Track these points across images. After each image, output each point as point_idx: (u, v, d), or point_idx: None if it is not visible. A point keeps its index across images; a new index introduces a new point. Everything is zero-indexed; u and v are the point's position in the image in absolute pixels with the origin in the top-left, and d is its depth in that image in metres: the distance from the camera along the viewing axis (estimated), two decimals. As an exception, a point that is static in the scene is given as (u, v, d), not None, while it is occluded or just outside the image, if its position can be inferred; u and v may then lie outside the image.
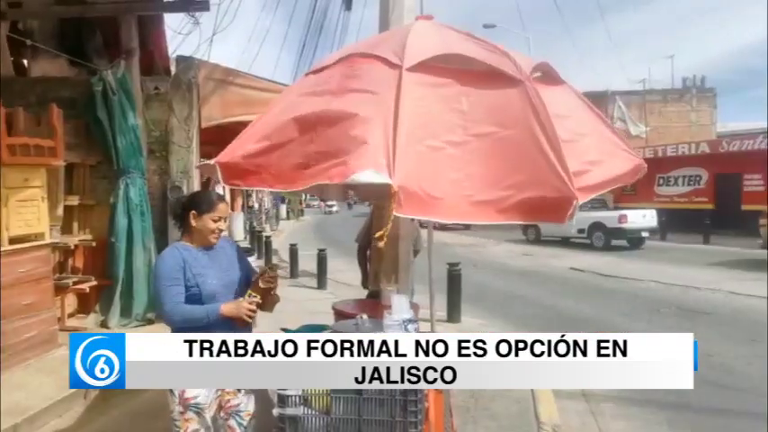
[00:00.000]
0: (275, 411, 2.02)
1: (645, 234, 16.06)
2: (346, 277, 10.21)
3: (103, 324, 5.72)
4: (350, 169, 1.98)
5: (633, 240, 15.93)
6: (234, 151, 2.42)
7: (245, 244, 15.99)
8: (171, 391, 2.33)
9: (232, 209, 25.43)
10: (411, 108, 2.13)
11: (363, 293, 7.07)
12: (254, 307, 2.34)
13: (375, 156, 2.01)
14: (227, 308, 2.31)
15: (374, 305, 3.40)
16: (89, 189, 5.97)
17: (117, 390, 4.33)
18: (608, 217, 15.86)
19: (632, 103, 25.65)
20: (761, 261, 12.08)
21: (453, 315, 6.85)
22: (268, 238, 14.62)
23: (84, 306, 5.81)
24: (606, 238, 15.87)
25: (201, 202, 2.46)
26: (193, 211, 2.43)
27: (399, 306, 2.14)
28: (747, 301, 8.28)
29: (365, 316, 2.53)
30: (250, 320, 2.33)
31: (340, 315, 3.28)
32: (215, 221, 2.44)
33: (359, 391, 1.96)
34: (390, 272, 4.41)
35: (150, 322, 5.82)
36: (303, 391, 2.01)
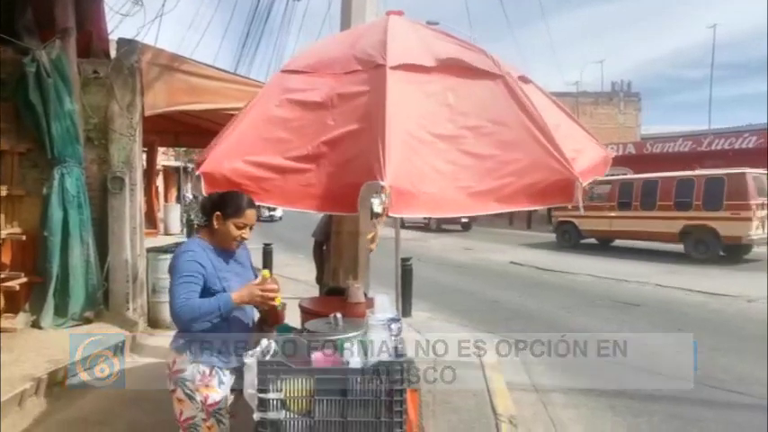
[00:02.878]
0: (256, 416, 1.95)
1: (465, 220, 21.76)
2: (293, 272, 10.06)
3: (35, 324, 5.31)
4: (353, 198, 2.01)
5: (463, 225, 22.47)
6: (220, 161, 2.32)
7: (182, 237, 15.36)
8: (189, 396, 2.21)
9: (166, 200, 24.42)
10: (398, 107, 2.12)
11: (313, 288, 7.00)
12: (272, 287, 2.20)
13: (371, 169, 2.01)
14: (238, 295, 2.17)
15: (341, 302, 3.36)
16: (18, 178, 5.50)
17: (56, 396, 4.07)
18: None
19: (566, 105, 26.77)
20: (683, 255, 13.07)
21: (405, 309, 6.92)
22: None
23: (12, 305, 5.35)
24: (437, 223, 22.43)
25: (229, 204, 2.28)
26: (218, 213, 2.27)
27: (383, 305, 2.13)
28: (672, 293, 8.92)
29: (339, 315, 2.49)
30: (270, 302, 2.21)
31: (308, 314, 3.21)
32: (239, 228, 2.30)
33: (343, 392, 1.94)
34: (350, 268, 4.40)
35: (88, 321, 5.46)
36: (284, 394, 1.96)
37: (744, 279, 10.11)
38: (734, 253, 12.72)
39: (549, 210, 17.20)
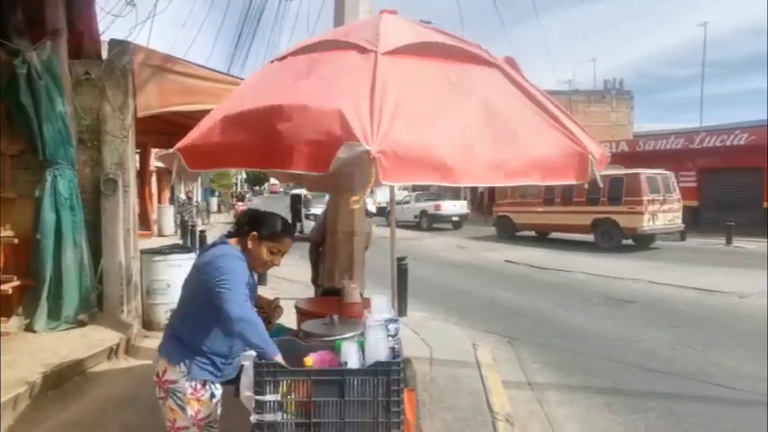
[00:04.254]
0: (253, 418, 1.94)
1: (456, 218, 22.75)
2: (285, 272, 10.02)
3: (28, 328, 5.26)
4: (330, 153, 1.87)
5: (454, 223, 22.70)
6: (196, 137, 2.27)
7: (176, 239, 15.28)
8: (181, 407, 2.16)
9: (160, 201, 24.29)
10: (392, 82, 2.05)
11: (308, 289, 6.97)
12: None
13: (351, 129, 1.90)
14: (279, 358, 1.99)
15: (337, 303, 3.36)
16: (10, 181, 5.44)
17: (50, 399, 4.05)
18: (428, 206, 23.10)
19: (559, 103, 26.97)
20: (678, 252, 13.16)
21: (401, 308, 6.91)
22: (203, 232, 14.01)
23: (5, 308, 5.29)
24: (429, 222, 22.77)
25: (266, 225, 2.21)
26: (255, 233, 2.20)
27: (380, 306, 2.13)
28: (665, 289, 8.97)
29: (335, 316, 2.50)
30: None
31: (304, 315, 3.21)
32: (272, 253, 2.23)
33: (340, 394, 1.94)
34: (346, 268, 4.40)
35: (82, 324, 5.42)
36: (282, 395, 1.95)
37: (736, 276, 10.19)
38: (641, 242, 14.96)
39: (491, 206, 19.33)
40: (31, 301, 5.37)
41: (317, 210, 14.66)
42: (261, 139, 2.11)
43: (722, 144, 18.52)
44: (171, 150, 2.25)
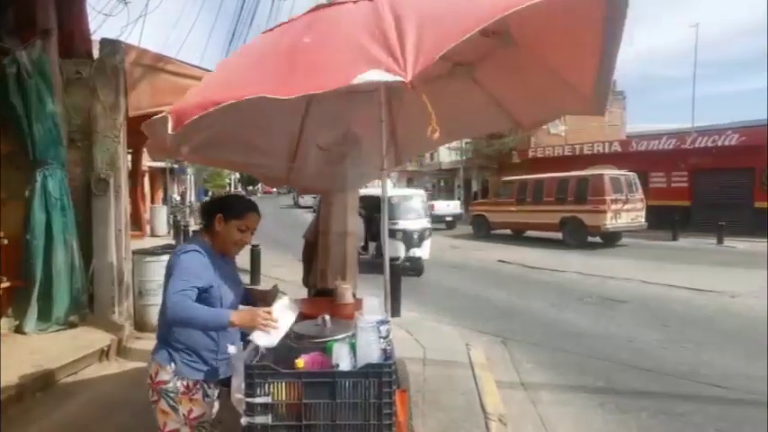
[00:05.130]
0: (243, 420, 1.93)
1: (449, 218, 22.51)
2: (279, 272, 10.01)
3: (18, 329, 5.22)
4: (350, 73, 1.70)
5: (447, 223, 22.39)
6: (185, 101, 2.00)
7: (169, 239, 15.20)
8: (173, 408, 2.15)
9: (152, 201, 24.17)
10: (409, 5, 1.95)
11: (300, 289, 6.92)
12: (274, 321, 2.05)
13: (377, 57, 1.74)
14: (239, 316, 2.03)
15: (329, 304, 3.33)
16: (0, 181, 5.40)
17: (40, 401, 4.01)
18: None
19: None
20: (669, 251, 13.21)
21: (394, 309, 6.90)
22: (196, 232, 13.88)
23: (-6, 310, 5.27)
24: None
25: (231, 206, 2.26)
26: (220, 215, 2.23)
27: (372, 307, 2.12)
28: (658, 289, 9.01)
29: (327, 317, 2.48)
30: (268, 331, 2.04)
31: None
32: (241, 231, 2.26)
33: (332, 396, 1.92)
34: (338, 268, 4.38)
35: (73, 326, 5.38)
36: (272, 398, 1.94)
37: (728, 275, 10.26)
38: (608, 240, 15.61)
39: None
40: (21, 303, 5.32)
41: (409, 221, 10.76)
42: (269, 79, 1.93)
43: (714, 144, 18.63)
44: (159, 116, 1.94)
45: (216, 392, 2.25)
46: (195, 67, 6.59)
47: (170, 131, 1.84)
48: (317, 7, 2.37)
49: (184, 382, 2.16)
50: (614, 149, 21.82)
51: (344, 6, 2.21)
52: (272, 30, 2.49)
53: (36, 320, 5.27)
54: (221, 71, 2.36)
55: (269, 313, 2.06)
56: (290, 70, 1.91)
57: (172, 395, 2.15)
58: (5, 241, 5.29)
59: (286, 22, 2.44)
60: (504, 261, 12.65)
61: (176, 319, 2.00)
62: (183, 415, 2.16)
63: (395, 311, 6.91)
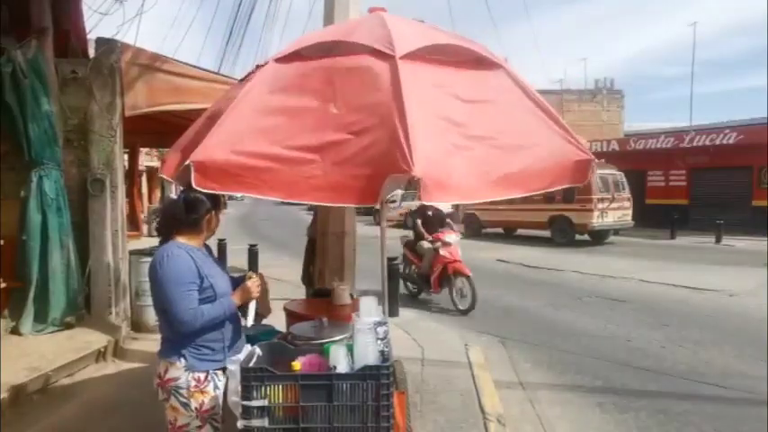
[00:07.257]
0: (239, 423, 1.91)
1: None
2: (277, 272, 9.96)
3: (14, 330, 5.19)
4: (377, 185, 1.94)
5: None
6: (211, 150, 2.10)
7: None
8: (184, 404, 2.17)
9: (150, 201, 24.08)
10: (412, 96, 2.08)
11: (298, 289, 6.93)
12: (259, 282, 2.34)
13: (395, 158, 1.95)
14: (237, 296, 2.28)
15: (326, 305, 3.33)
16: (-5, 182, 5.37)
17: (36, 403, 3.99)
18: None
19: (551, 102, 26.90)
20: (667, 250, 13.22)
21: (392, 309, 6.89)
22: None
23: (-10, 311, 5.23)
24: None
25: (215, 199, 2.35)
26: (213, 211, 2.35)
27: (368, 308, 2.10)
28: (656, 288, 9.01)
29: (324, 318, 2.47)
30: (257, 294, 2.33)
31: (293, 317, 3.18)
32: (216, 215, 2.40)
33: (329, 398, 1.91)
34: (336, 269, 4.38)
35: (69, 327, 5.35)
36: (269, 401, 1.92)
37: (726, 274, 10.27)
38: (596, 237, 15.89)
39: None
40: (17, 304, 5.30)
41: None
42: (286, 171, 2.08)
43: (711, 143, 18.64)
44: (186, 163, 2.09)
45: (223, 383, 2.26)
46: (192, 66, 6.56)
47: (194, 185, 2.04)
48: (334, 45, 2.38)
49: (195, 375, 2.19)
50: (612, 148, 21.81)
51: (365, 64, 2.27)
52: (288, 58, 2.47)
53: (32, 321, 5.24)
54: (246, 109, 2.28)
55: (251, 279, 2.32)
56: (323, 169, 2.05)
57: (182, 391, 2.18)
58: (1, 242, 5.27)
59: (303, 56, 2.43)
60: (502, 260, 12.64)
61: (196, 330, 2.15)
62: (195, 408, 2.18)
63: (392, 311, 6.89)
